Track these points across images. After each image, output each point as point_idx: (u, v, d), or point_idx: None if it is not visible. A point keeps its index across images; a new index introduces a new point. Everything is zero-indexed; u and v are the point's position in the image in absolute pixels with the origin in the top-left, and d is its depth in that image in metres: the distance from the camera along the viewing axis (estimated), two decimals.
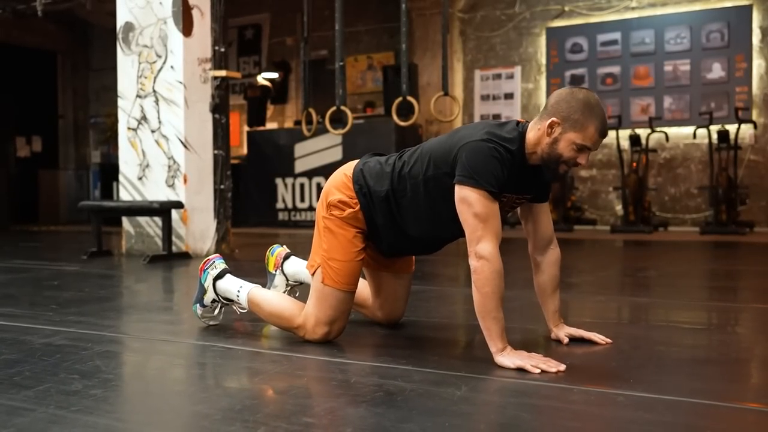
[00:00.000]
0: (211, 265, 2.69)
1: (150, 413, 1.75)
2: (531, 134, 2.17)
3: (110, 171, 11.00)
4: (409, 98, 5.52)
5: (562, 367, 2.00)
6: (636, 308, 3.37)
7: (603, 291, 3.93)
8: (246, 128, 10.98)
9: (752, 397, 1.88)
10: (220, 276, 2.66)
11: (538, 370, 1.97)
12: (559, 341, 2.36)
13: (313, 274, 2.44)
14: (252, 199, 9.99)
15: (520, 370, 1.99)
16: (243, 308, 2.61)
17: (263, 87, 11.05)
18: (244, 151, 10.84)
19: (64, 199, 11.97)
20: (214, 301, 2.68)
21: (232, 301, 2.65)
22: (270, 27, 11.78)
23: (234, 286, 2.63)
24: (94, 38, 12.86)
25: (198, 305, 2.73)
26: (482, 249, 2.06)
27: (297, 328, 2.45)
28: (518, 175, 2.19)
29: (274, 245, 3.03)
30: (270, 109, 11.42)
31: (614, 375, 2.05)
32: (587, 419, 1.67)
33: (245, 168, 10.19)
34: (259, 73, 11.47)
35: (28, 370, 2.08)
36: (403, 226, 2.37)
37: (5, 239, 8.48)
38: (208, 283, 2.68)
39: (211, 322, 2.76)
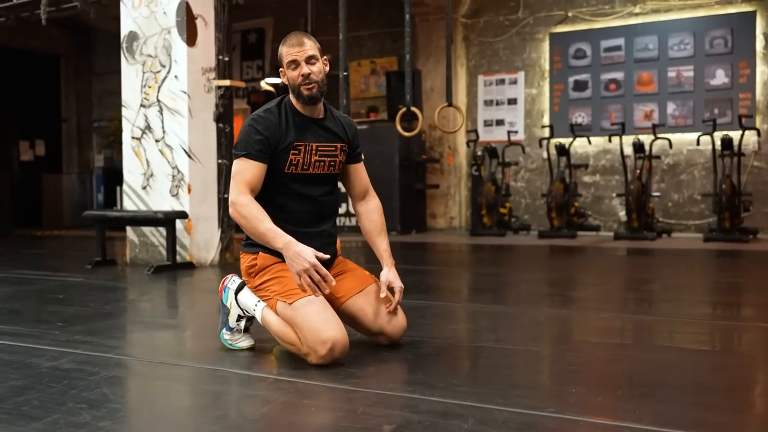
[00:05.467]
0: (230, 281, 2.71)
1: None
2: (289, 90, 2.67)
3: (114, 175, 11.01)
4: (413, 109, 5.52)
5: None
6: (637, 326, 3.37)
7: (605, 307, 3.92)
8: None
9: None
10: (239, 289, 2.67)
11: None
12: None
13: (276, 312, 2.51)
14: None
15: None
16: (258, 323, 2.61)
17: (266, 92, 11.06)
18: None
19: (67, 203, 11.98)
20: (239, 318, 2.67)
21: (251, 316, 2.64)
22: (273, 31, 11.77)
23: (252, 300, 2.63)
24: (97, 42, 12.88)
25: (224, 331, 2.71)
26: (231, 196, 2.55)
27: (305, 355, 2.44)
28: (299, 124, 2.62)
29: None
30: None
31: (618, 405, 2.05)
32: None
33: None
34: (263, 77, 11.47)
35: (36, 399, 2.09)
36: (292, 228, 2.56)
37: (9, 245, 8.50)
38: (230, 301, 2.68)
39: (241, 344, 2.70)
